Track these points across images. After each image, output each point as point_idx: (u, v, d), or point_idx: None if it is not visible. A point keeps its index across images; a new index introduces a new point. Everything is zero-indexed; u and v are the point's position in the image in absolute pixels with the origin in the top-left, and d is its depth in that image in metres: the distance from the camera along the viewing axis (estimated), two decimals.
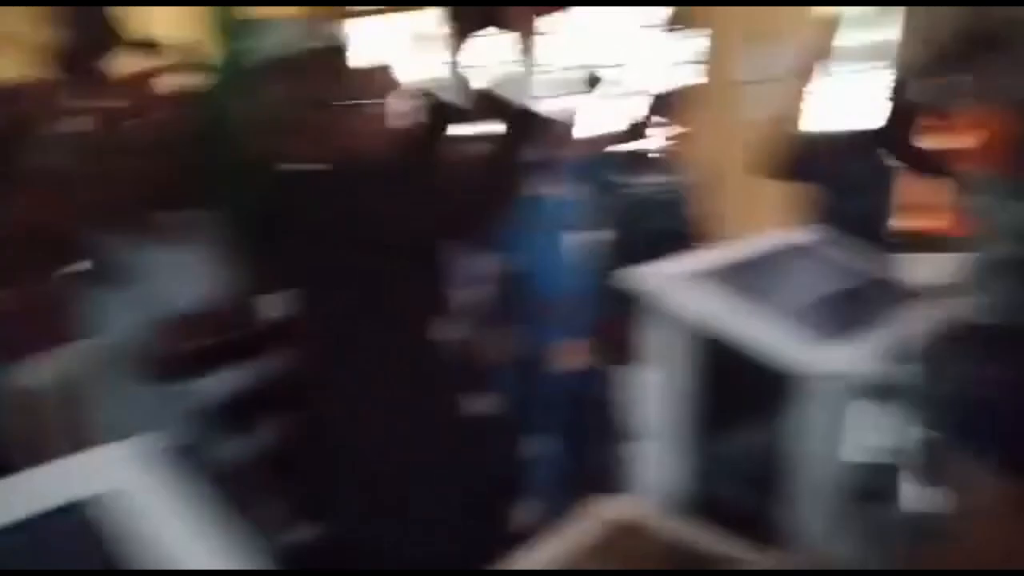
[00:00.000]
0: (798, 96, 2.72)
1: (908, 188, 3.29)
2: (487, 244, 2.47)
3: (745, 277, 1.79)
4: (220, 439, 2.04)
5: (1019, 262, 1.55)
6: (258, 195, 1.94)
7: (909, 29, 4.53)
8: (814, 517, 1.52)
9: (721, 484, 1.81)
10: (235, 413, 2.07)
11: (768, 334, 1.47)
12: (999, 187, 2.55)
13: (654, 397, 1.73)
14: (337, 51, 3.18)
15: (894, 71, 3.07)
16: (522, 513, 2.60)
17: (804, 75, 2.69)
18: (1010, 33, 2.85)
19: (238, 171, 2.55)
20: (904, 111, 2.67)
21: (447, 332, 1.99)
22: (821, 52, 2.63)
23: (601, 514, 1.69)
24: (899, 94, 2.73)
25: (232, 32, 2.31)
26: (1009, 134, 3.22)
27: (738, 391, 1.69)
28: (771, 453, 1.69)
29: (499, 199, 1.74)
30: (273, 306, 2.18)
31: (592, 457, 2.63)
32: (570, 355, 2.60)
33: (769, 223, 3.05)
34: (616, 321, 2.17)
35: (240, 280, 2.14)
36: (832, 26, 2.68)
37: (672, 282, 1.64)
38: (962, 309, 1.95)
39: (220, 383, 2.04)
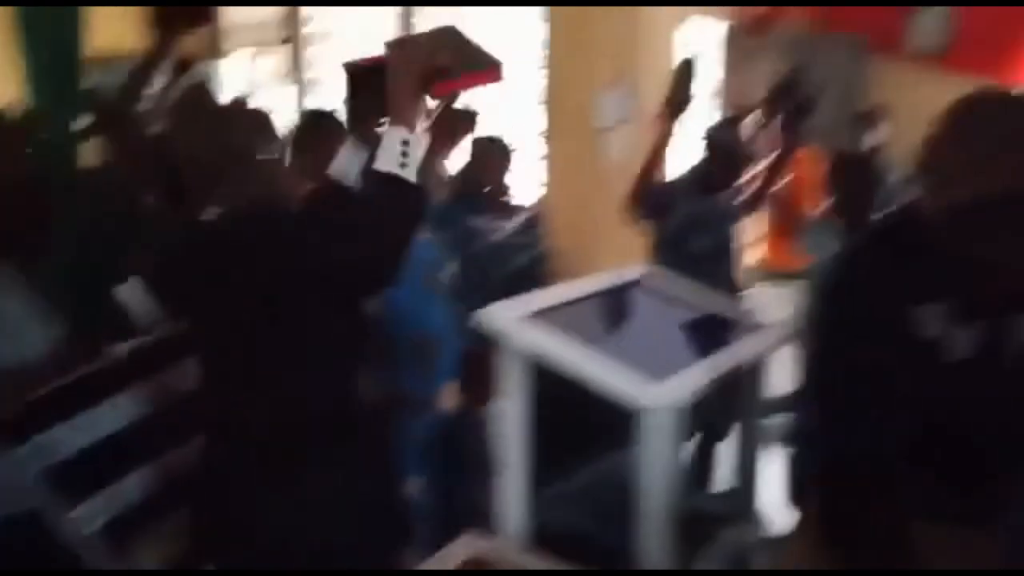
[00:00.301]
0: (654, 138, 2.86)
1: (752, 225, 3.53)
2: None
3: (588, 315, 1.89)
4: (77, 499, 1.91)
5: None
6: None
7: (730, 75, 4.86)
8: (654, 543, 1.61)
9: (569, 516, 1.88)
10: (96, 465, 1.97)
11: (607, 370, 1.55)
12: (822, 225, 2.80)
13: (508, 434, 1.78)
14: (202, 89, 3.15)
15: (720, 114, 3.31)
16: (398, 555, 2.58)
17: (661, 119, 2.84)
18: (814, 88, 3.13)
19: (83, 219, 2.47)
20: (726, 152, 2.86)
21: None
22: (678, 96, 2.79)
23: (456, 552, 1.71)
24: (719, 136, 2.93)
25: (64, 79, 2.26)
26: (819, 178, 3.52)
27: (581, 424, 1.77)
28: (614, 484, 1.78)
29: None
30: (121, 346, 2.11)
31: (460, 496, 2.65)
32: (440, 398, 2.61)
33: (618, 261, 3.20)
34: (479, 361, 2.23)
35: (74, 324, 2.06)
36: (687, 72, 2.84)
37: (519, 321, 1.70)
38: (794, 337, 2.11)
39: (74, 433, 1.94)
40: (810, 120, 3.90)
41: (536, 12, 4.42)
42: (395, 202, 1.48)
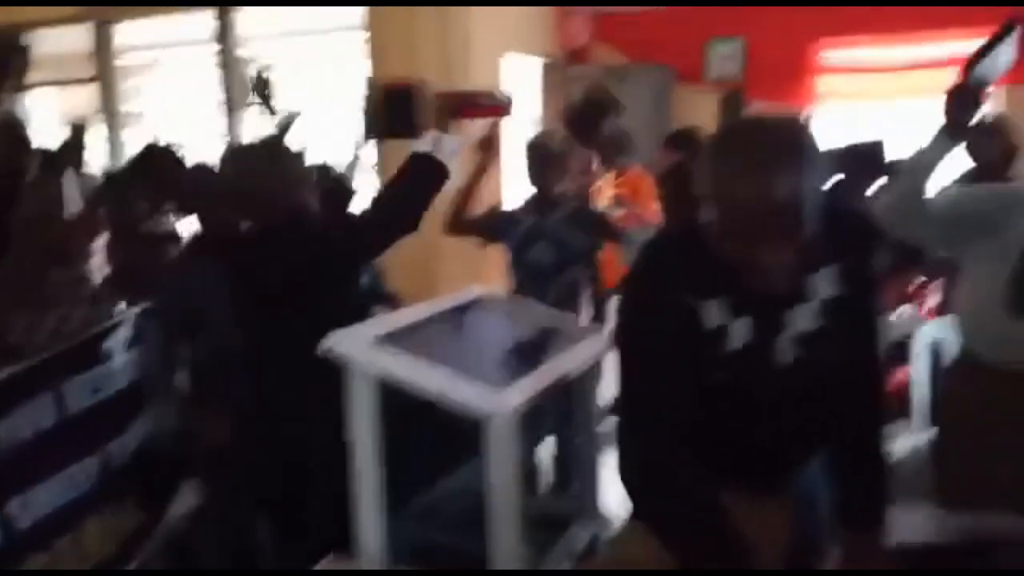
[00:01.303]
0: (471, 167, 3.01)
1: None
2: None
3: (431, 335, 1.98)
4: None
5: None
6: None
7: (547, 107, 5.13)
8: (504, 546, 1.71)
9: (427, 530, 1.96)
10: None
11: (449, 384, 1.65)
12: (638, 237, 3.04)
13: (360, 457, 1.83)
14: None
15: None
16: None
17: (478, 150, 2.99)
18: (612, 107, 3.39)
19: None
20: (540, 161, 3.07)
21: None
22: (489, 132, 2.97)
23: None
24: (533, 145, 3.14)
25: None
26: (641, 194, 3.82)
27: (430, 438, 1.85)
28: (466, 493, 1.87)
29: None
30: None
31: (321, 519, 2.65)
32: None
33: (458, 285, 3.33)
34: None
35: None
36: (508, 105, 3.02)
37: (365, 345, 1.76)
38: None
39: None
40: (626, 149, 4.24)
41: (360, 45, 4.52)
42: None
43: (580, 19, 5.37)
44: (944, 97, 2.19)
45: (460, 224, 3.01)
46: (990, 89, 2.19)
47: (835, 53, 5.07)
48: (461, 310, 2.14)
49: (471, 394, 1.61)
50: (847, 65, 5.06)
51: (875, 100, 4.99)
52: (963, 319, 2.45)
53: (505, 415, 1.59)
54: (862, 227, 1.57)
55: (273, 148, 2.51)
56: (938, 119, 2.22)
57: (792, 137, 1.29)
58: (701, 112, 5.11)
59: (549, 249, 2.93)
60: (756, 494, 1.50)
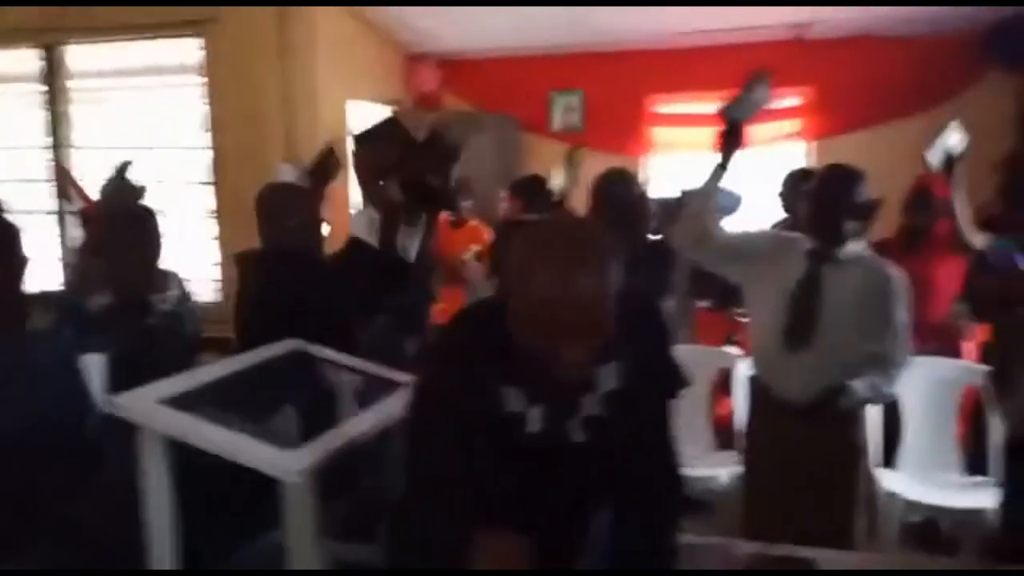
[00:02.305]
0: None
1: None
2: None
3: (236, 390, 1.95)
4: None
5: None
6: None
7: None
8: None
9: None
10: None
11: (244, 445, 1.63)
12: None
13: (154, 521, 1.77)
14: None
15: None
16: None
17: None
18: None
19: None
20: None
21: None
22: (320, 171, 3.01)
23: None
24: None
25: None
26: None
27: (224, 499, 1.81)
28: (266, 554, 1.84)
29: None
30: None
31: None
32: None
33: None
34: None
35: None
36: (330, 152, 3.06)
37: (156, 405, 1.72)
38: None
39: None
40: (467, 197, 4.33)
41: (197, 91, 4.43)
42: None
43: (429, 66, 5.47)
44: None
45: None
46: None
47: (665, 106, 5.40)
48: (274, 363, 2.12)
49: (262, 456, 1.59)
50: (677, 117, 5.40)
51: (705, 151, 5.33)
52: (753, 354, 2.67)
53: (298, 476, 1.58)
54: (649, 325, 1.62)
55: None
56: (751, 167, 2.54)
57: (594, 240, 1.34)
58: (547, 161, 5.32)
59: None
60: (547, 559, 1.54)
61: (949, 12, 4.43)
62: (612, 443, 1.55)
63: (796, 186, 3.73)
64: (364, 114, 4.90)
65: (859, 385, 2.43)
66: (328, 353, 2.19)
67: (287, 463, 1.56)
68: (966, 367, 3.37)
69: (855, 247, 2.54)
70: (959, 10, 4.35)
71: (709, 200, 2.57)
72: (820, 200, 2.51)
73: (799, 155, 5.22)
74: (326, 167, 3.07)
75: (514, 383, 1.46)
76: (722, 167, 2.52)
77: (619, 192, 3.23)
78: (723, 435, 3.62)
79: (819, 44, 4.92)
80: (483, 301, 1.93)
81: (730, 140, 2.48)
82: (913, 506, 3.20)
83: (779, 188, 3.95)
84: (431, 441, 1.48)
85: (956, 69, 4.88)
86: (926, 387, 3.39)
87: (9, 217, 2.21)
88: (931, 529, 3.47)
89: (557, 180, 4.10)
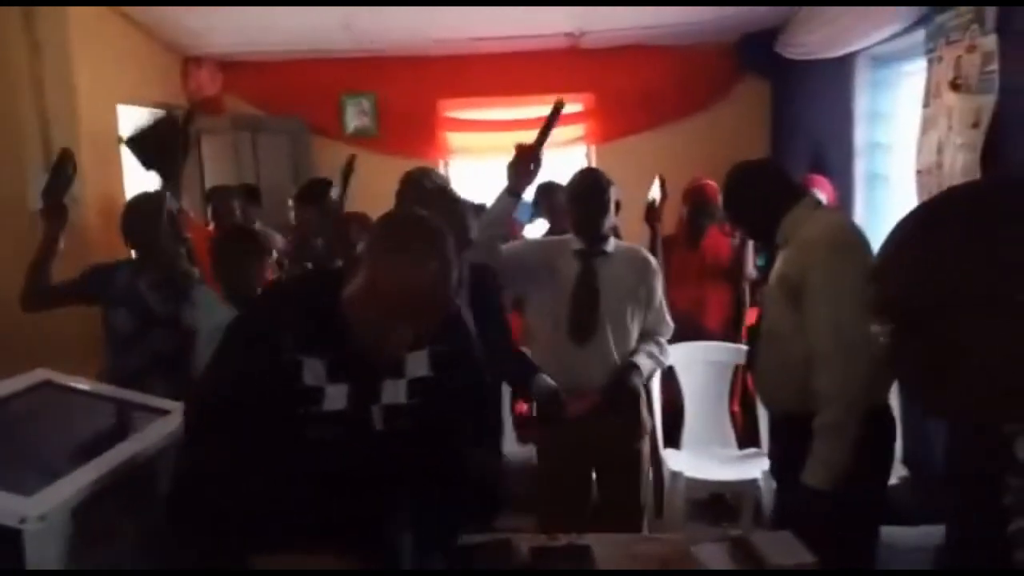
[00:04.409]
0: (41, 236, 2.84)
1: None
2: None
3: None
4: None
5: None
6: None
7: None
8: None
9: None
10: None
11: None
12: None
13: None
14: None
15: None
16: None
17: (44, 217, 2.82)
18: None
19: None
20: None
21: None
22: (52, 193, 2.81)
23: None
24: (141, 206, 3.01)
25: None
26: None
27: None
28: None
29: None
30: None
31: None
32: None
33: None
34: None
35: None
36: (60, 166, 2.86)
37: None
38: None
39: None
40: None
41: None
42: None
43: (208, 68, 5.18)
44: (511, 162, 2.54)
45: (40, 297, 2.74)
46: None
47: (459, 111, 5.46)
48: (19, 397, 1.90)
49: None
50: (469, 122, 5.47)
51: (499, 156, 5.42)
52: (535, 351, 2.78)
53: (39, 520, 1.43)
54: (454, 318, 1.69)
55: None
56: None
57: (441, 232, 1.45)
58: (340, 165, 5.21)
59: (130, 314, 2.76)
60: (342, 548, 1.52)
61: (712, 23, 4.80)
62: (412, 433, 1.57)
63: (547, 196, 3.96)
64: (136, 118, 4.56)
65: (643, 360, 2.71)
66: (79, 382, 2.00)
67: (23, 509, 1.40)
68: (736, 349, 3.68)
69: (613, 240, 2.76)
70: (719, 20, 4.74)
71: (501, 228, 2.64)
72: (583, 203, 2.69)
73: (581, 159, 5.46)
74: (60, 175, 2.83)
75: (315, 355, 1.48)
76: (516, 194, 2.57)
77: (429, 186, 3.20)
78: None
79: (594, 53, 5.17)
80: (297, 273, 1.89)
81: (526, 168, 2.52)
82: (698, 483, 3.45)
83: (531, 198, 4.11)
84: (215, 401, 1.48)
85: (716, 77, 5.31)
86: (702, 369, 3.66)
87: None
88: (717, 504, 3.76)
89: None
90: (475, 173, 5.52)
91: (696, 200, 3.90)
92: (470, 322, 1.91)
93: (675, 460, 3.53)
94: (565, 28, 4.85)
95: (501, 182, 2.56)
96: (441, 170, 5.38)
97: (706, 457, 3.59)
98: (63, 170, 2.82)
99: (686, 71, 5.22)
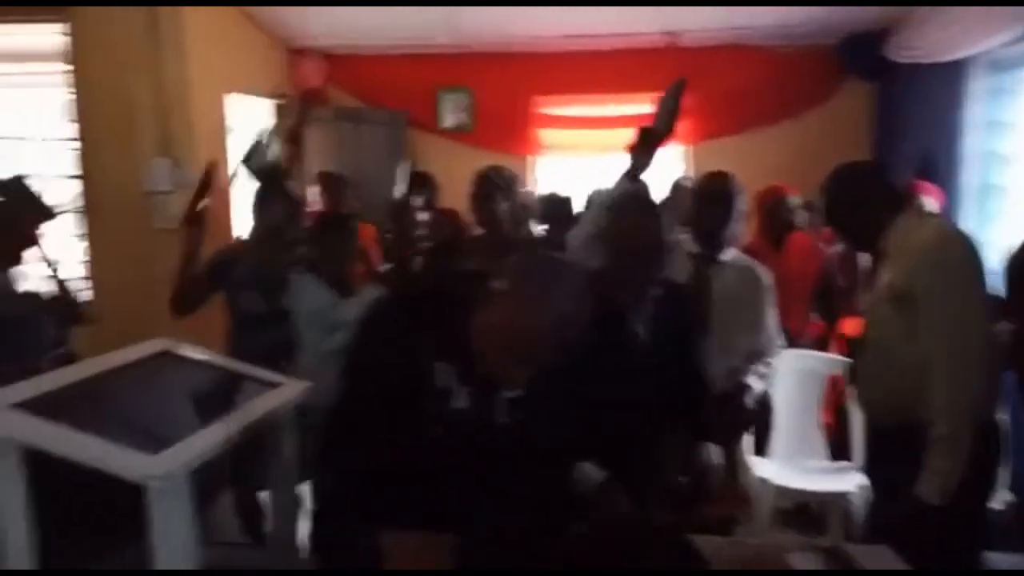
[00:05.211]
0: (183, 245, 2.91)
1: None
2: None
3: (101, 391, 1.85)
4: None
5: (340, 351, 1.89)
6: None
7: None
8: None
9: None
10: None
11: (102, 449, 1.54)
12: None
13: (10, 530, 1.65)
14: None
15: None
16: None
17: (186, 224, 2.91)
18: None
19: None
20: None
21: None
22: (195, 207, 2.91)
23: None
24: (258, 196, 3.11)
25: None
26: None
27: (89, 505, 1.72)
28: (137, 557, 1.75)
29: None
30: None
31: None
32: None
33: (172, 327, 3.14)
34: None
35: None
36: (206, 183, 2.97)
37: (6, 410, 1.61)
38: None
39: None
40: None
41: (59, 79, 4.17)
42: None
43: (314, 60, 5.35)
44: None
45: (187, 303, 2.86)
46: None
47: (553, 108, 5.48)
48: (141, 364, 2.02)
49: (125, 460, 1.51)
50: (564, 118, 5.49)
51: (591, 153, 5.44)
52: None
53: (164, 479, 1.52)
54: None
55: None
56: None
57: (580, 277, 1.54)
58: (434, 158, 5.31)
59: (258, 296, 2.85)
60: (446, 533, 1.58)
61: (815, 24, 4.69)
62: (533, 426, 1.62)
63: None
64: (245, 108, 4.75)
65: (754, 382, 2.65)
66: (196, 353, 2.11)
67: (151, 467, 1.49)
68: (829, 359, 3.59)
69: (731, 250, 2.69)
70: (822, 20, 4.62)
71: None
72: (707, 207, 2.64)
73: (677, 158, 5.41)
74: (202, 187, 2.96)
75: (449, 360, 1.55)
76: (633, 177, 2.51)
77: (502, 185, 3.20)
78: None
79: (691, 51, 5.11)
80: (426, 279, 1.97)
81: (646, 152, 2.47)
82: (784, 491, 3.37)
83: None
84: (361, 407, 1.55)
85: (819, 79, 5.18)
86: (793, 378, 3.58)
87: None
88: (802, 514, 3.67)
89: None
90: (567, 170, 5.54)
91: (771, 207, 3.81)
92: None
93: (762, 467, 3.47)
94: (663, 26, 4.82)
95: (592, 180, 2.54)
96: (531, 167, 5.44)
97: (794, 466, 3.52)
98: (204, 180, 2.95)
99: (785, 73, 5.12)
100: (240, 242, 3.14)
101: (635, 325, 2.06)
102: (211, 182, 2.98)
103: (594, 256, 2.59)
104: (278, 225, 2.89)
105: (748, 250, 3.61)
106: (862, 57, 4.93)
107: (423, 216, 3.56)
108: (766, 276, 2.75)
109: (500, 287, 1.49)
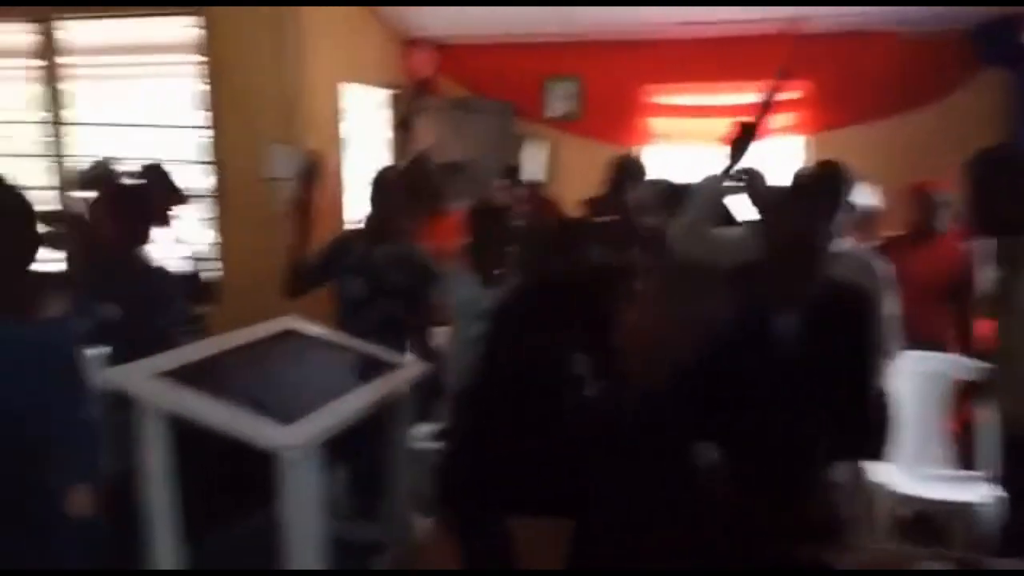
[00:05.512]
0: (292, 233, 2.98)
1: None
2: None
3: (235, 366, 1.94)
4: None
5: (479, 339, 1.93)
6: None
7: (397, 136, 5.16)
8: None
9: (227, 563, 1.89)
10: None
11: (240, 418, 1.62)
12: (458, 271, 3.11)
13: (152, 493, 1.75)
14: None
15: None
16: None
17: (294, 214, 2.99)
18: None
19: None
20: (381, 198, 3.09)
21: None
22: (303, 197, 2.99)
23: None
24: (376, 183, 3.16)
25: None
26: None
27: (227, 473, 1.80)
28: (268, 523, 1.83)
29: None
30: None
31: None
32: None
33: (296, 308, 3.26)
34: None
35: None
36: (311, 172, 3.06)
37: (152, 379, 1.70)
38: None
39: None
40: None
41: (191, 69, 4.39)
42: None
43: (425, 51, 5.43)
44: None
45: (300, 284, 2.94)
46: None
47: (665, 96, 5.39)
48: (269, 341, 2.10)
49: (260, 429, 1.58)
50: (676, 107, 5.38)
51: (704, 142, 5.31)
52: None
53: (295, 449, 1.58)
54: None
55: None
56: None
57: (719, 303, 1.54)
58: (542, 147, 5.31)
59: (364, 283, 2.93)
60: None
61: (943, 10, 4.44)
62: (666, 419, 1.62)
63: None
64: (360, 97, 4.88)
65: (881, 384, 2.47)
66: (320, 331, 2.18)
67: (286, 437, 1.55)
68: (956, 361, 3.39)
69: (844, 241, 2.57)
70: (952, 8, 4.36)
71: (713, 208, 2.54)
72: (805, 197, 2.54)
73: (796, 148, 5.22)
74: (308, 174, 3.04)
75: (587, 352, 1.60)
76: (729, 170, 2.47)
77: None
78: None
79: (815, 38, 4.90)
80: (556, 271, 1.99)
81: (743, 144, 2.43)
82: (904, 499, 3.21)
83: None
84: (493, 392, 1.61)
85: (949, 67, 4.89)
86: (917, 380, 3.40)
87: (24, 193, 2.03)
88: (922, 523, 3.49)
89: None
90: (678, 159, 5.43)
91: (919, 202, 3.61)
92: None
93: (882, 473, 3.31)
94: (784, 12, 4.64)
95: (703, 169, 2.48)
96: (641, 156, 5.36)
97: (916, 473, 3.34)
98: (310, 169, 3.03)
99: (915, 59, 4.85)
100: (351, 230, 3.22)
101: (783, 323, 1.89)
102: (317, 171, 3.06)
103: (696, 246, 2.54)
104: (389, 215, 2.96)
105: (886, 244, 3.45)
106: (998, 44, 4.63)
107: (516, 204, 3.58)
108: (883, 268, 2.62)
109: (644, 291, 1.49)
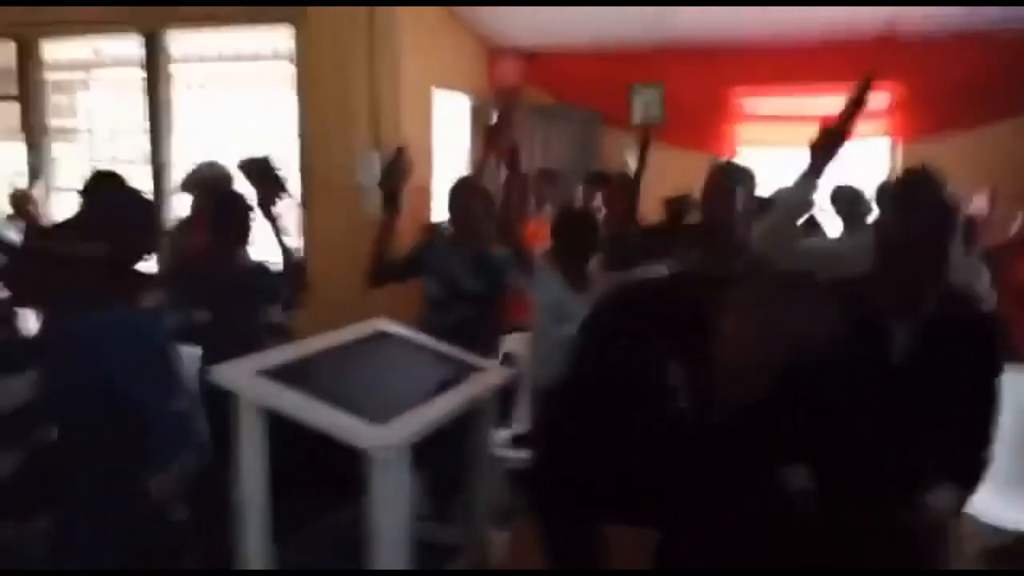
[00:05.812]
0: (379, 227, 3.07)
1: None
2: None
3: (329, 366, 2.02)
4: None
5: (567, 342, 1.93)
6: None
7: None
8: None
9: (315, 560, 1.98)
10: None
11: (335, 417, 1.69)
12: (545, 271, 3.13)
13: (247, 488, 1.85)
14: None
15: None
16: None
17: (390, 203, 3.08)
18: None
19: None
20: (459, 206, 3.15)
21: None
22: (388, 185, 3.07)
23: None
24: (454, 192, 3.22)
25: None
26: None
27: (319, 470, 1.89)
28: (356, 520, 1.90)
29: None
30: None
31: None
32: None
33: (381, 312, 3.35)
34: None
35: None
36: (398, 162, 3.13)
37: (252, 377, 1.79)
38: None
39: None
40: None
41: (288, 78, 4.57)
42: None
43: (511, 59, 5.50)
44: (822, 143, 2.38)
45: (382, 274, 3.04)
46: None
47: (751, 101, 5.30)
48: (361, 343, 2.19)
49: (353, 428, 1.65)
50: (763, 114, 5.29)
51: (792, 148, 5.20)
52: None
53: (388, 449, 1.64)
54: None
55: None
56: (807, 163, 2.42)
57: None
58: (627, 151, 5.29)
59: (440, 283, 3.00)
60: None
61: None
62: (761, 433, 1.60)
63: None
64: (449, 103, 4.98)
65: None
66: (410, 333, 2.25)
67: (379, 437, 1.62)
68: None
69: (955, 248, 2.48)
70: None
71: (797, 214, 2.50)
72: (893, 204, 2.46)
73: (883, 154, 5.07)
74: (394, 171, 3.12)
75: (681, 361, 1.55)
76: (815, 176, 2.38)
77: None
78: None
79: (907, 41, 4.75)
80: (659, 278, 1.97)
81: (829, 150, 2.35)
82: (997, 531, 3.07)
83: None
84: (583, 397, 1.59)
85: None
86: (1013, 402, 3.25)
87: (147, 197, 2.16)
88: (1014, 555, 3.32)
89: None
90: (764, 166, 5.33)
91: None
92: None
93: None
94: (877, 15, 4.51)
95: (790, 176, 2.41)
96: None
97: (1012, 499, 3.19)
98: (398, 164, 3.12)
99: (1017, 62, 4.63)
100: (441, 231, 3.30)
101: (897, 335, 1.80)
102: (403, 166, 3.13)
103: (783, 255, 2.49)
104: (472, 218, 3.03)
105: (993, 251, 3.31)
106: None
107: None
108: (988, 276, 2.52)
109: (743, 307, 1.46)
